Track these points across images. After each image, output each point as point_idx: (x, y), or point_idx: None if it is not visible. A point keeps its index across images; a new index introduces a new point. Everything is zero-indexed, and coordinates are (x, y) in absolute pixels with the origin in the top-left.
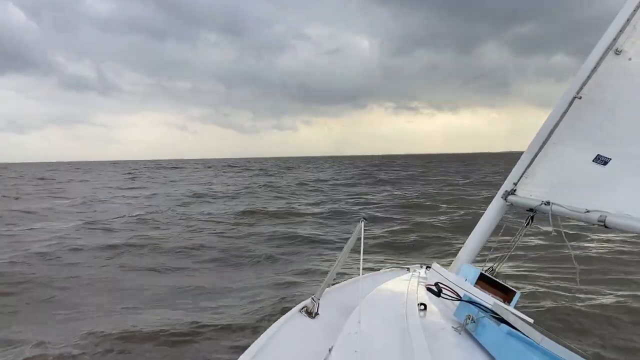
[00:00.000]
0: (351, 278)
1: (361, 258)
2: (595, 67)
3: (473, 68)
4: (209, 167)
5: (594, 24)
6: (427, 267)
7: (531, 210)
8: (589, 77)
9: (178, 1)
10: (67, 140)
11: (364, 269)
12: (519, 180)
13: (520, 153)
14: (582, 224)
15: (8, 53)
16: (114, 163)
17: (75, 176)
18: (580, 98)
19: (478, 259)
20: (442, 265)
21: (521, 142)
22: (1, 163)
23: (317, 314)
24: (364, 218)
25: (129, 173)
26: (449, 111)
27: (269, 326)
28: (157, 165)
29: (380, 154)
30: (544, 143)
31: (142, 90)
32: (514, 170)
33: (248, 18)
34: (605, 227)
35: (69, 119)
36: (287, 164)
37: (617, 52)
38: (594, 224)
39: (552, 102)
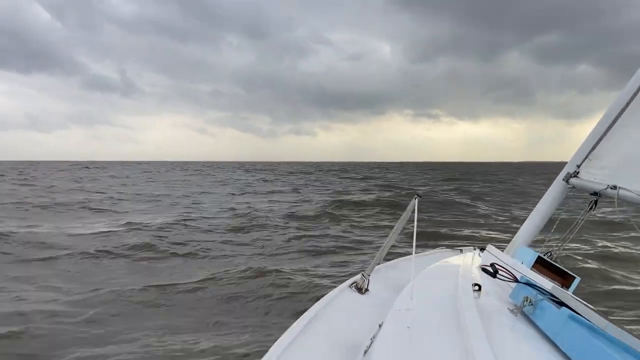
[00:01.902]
0: (403, 256)
1: (414, 236)
2: None
3: (495, 77)
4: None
5: (621, 34)
6: (481, 250)
7: (595, 194)
8: None
9: (202, 2)
10: (88, 139)
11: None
12: (582, 162)
13: (539, 164)
14: None
15: (33, 52)
16: (138, 163)
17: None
18: None
19: (536, 244)
20: (498, 248)
21: (540, 152)
22: (27, 161)
23: (367, 290)
24: (418, 195)
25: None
26: (469, 120)
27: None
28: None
29: (397, 160)
30: (612, 123)
31: (163, 92)
32: (577, 151)
33: (271, 21)
34: None
35: (91, 119)
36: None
37: None
38: None
39: (575, 114)
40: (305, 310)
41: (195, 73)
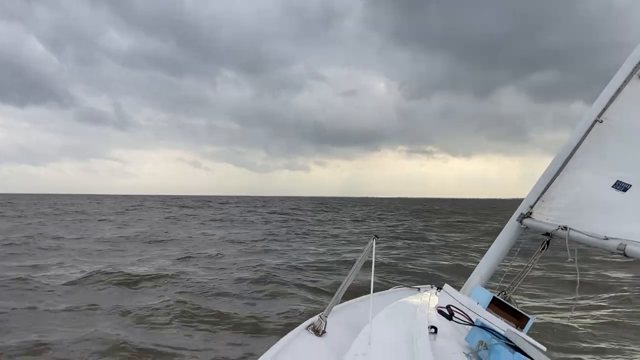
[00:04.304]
0: (360, 296)
1: (372, 277)
2: (617, 92)
3: (489, 114)
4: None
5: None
6: (438, 288)
7: (547, 234)
8: (610, 101)
9: (199, 36)
10: (81, 172)
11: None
12: (535, 203)
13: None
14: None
15: (28, 85)
16: (129, 196)
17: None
18: (602, 122)
19: (491, 283)
20: (454, 286)
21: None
22: (16, 194)
23: (324, 332)
24: (376, 236)
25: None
26: (463, 157)
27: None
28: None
29: (392, 196)
30: (563, 166)
31: (158, 126)
32: (530, 192)
33: (268, 57)
34: (625, 255)
35: (85, 152)
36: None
37: None
38: (612, 252)
39: None
40: (259, 355)
41: (191, 107)
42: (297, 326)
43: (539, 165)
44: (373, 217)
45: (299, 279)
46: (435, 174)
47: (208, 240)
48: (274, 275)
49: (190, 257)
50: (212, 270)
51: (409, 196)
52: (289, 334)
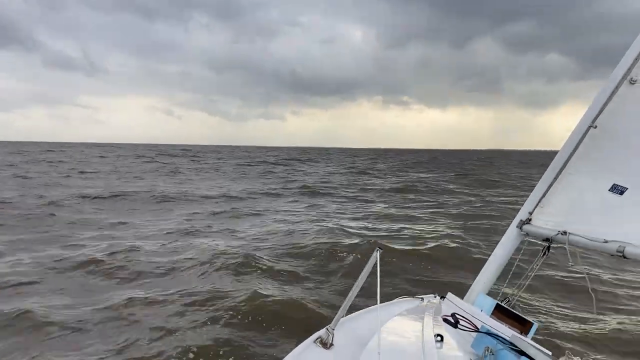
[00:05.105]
0: (365, 308)
1: (378, 288)
2: (610, 97)
3: (465, 65)
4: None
5: (591, 24)
6: (441, 297)
7: (547, 240)
8: (603, 106)
9: None
10: (51, 120)
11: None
12: (534, 210)
13: (506, 152)
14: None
15: None
16: (97, 145)
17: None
18: (596, 127)
19: (493, 289)
20: (457, 295)
21: (507, 141)
22: None
23: (332, 344)
24: (380, 248)
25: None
26: (438, 108)
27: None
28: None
29: (367, 147)
30: (560, 172)
31: (129, 72)
32: (529, 199)
33: (242, 1)
34: (624, 257)
35: (53, 98)
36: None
37: (632, 82)
38: (612, 255)
39: (541, 103)
40: None
41: (164, 53)
42: (304, 340)
43: (513, 117)
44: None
45: None
46: (411, 124)
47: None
48: None
49: None
50: None
51: (391, 147)
52: (297, 348)
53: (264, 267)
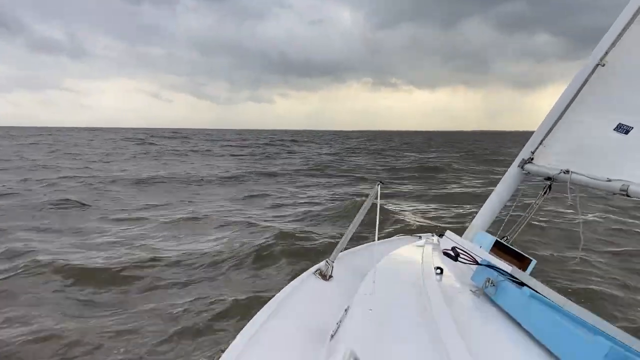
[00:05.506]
0: (364, 243)
1: (377, 223)
2: (619, 35)
3: (454, 46)
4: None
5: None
6: (439, 235)
7: (549, 178)
8: (613, 44)
9: None
10: (37, 105)
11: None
12: (536, 149)
13: (491, 133)
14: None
15: None
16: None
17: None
18: (604, 65)
19: (492, 229)
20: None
21: (495, 122)
22: None
23: (331, 276)
24: (381, 181)
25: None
26: (427, 89)
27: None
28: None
29: (357, 129)
30: (564, 110)
31: (115, 55)
32: (531, 138)
33: None
34: (628, 196)
35: (38, 82)
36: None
37: None
38: (615, 193)
39: (529, 83)
40: (269, 299)
41: (149, 36)
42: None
43: (501, 97)
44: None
45: None
46: (401, 106)
47: None
48: None
49: None
50: None
51: (383, 129)
52: (296, 279)
53: None
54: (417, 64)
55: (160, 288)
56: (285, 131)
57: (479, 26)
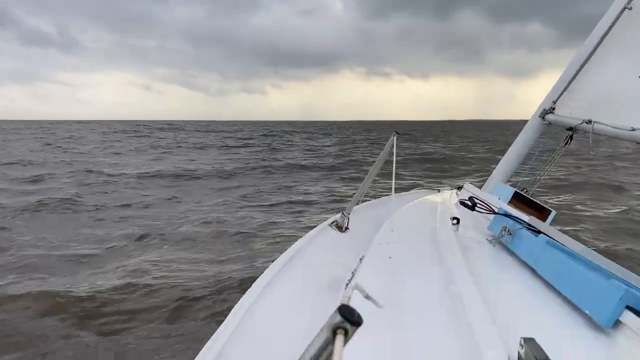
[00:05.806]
0: (381, 197)
1: (393, 174)
2: None
3: (447, 35)
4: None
5: None
6: (458, 188)
7: (571, 129)
8: None
9: None
10: (28, 98)
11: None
12: (558, 98)
13: (484, 122)
14: None
15: None
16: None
17: None
18: (631, 9)
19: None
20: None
21: (487, 111)
22: None
23: (347, 228)
24: (397, 132)
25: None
26: (420, 78)
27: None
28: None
29: (350, 119)
30: (588, 58)
31: (106, 47)
32: (553, 88)
33: None
34: None
35: (30, 76)
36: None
37: None
38: (639, 143)
39: (522, 73)
40: (285, 249)
41: (141, 28)
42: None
43: (494, 86)
44: None
45: None
46: (395, 95)
47: None
48: None
49: None
50: None
51: (378, 119)
52: (313, 230)
53: None
54: (410, 53)
55: None
56: (281, 122)
57: (474, 15)
